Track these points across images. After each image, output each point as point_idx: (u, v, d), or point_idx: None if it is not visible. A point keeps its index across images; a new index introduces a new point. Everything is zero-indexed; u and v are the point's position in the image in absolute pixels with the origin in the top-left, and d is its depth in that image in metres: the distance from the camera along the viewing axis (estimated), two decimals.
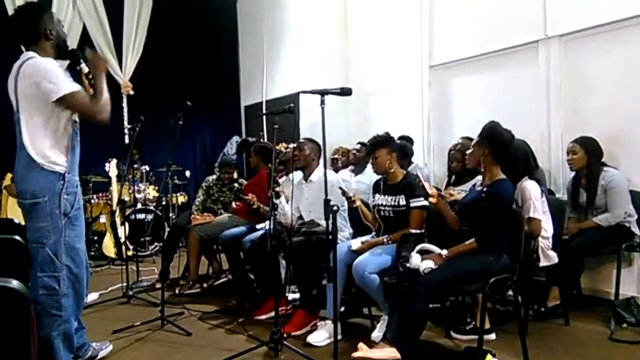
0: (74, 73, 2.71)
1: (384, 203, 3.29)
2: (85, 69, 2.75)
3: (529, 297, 3.31)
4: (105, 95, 2.57)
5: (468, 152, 2.91)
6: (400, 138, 4.86)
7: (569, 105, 4.04)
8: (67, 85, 2.43)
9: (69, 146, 2.57)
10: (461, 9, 4.91)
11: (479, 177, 2.95)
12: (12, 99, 2.51)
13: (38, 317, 2.46)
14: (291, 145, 4.14)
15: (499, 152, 2.77)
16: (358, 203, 3.28)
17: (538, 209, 3.08)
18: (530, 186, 3.11)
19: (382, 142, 3.28)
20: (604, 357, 2.80)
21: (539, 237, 3.14)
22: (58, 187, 2.49)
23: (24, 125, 2.47)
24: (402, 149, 3.48)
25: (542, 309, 3.39)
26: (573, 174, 3.66)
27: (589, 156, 3.50)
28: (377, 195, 3.37)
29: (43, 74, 2.41)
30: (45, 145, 2.47)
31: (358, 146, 4.66)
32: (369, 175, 4.37)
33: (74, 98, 2.45)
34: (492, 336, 3.06)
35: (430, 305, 2.87)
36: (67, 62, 2.72)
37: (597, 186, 3.44)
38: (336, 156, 5.23)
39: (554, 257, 3.19)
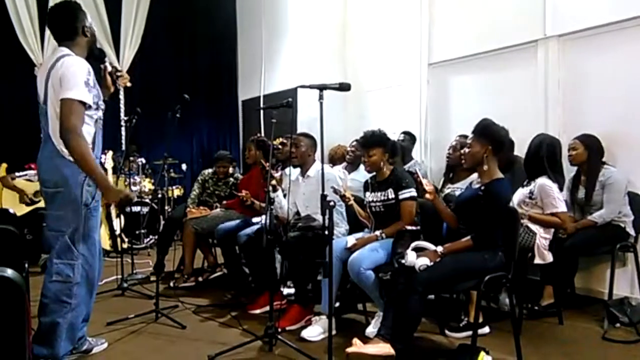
0: (98, 70, 2.79)
1: (374, 199, 3.30)
2: (109, 68, 2.86)
3: (523, 295, 3.32)
4: (86, 157, 2.48)
5: (465, 150, 2.87)
6: (404, 134, 4.88)
7: (567, 105, 4.04)
8: (75, 92, 2.44)
9: (93, 140, 2.61)
10: (461, 8, 4.90)
11: (476, 175, 2.95)
12: (41, 91, 2.54)
13: (45, 303, 2.51)
14: (279, 140, 4.13)
15: (498, 149, 2.78)
16: (352, 201, 3.28)
17: (562, 202, 3.28)
18: (549, 183, 3.29)
19: (379, 141, 3.26)
20: (597, 356, 2.82)
21: (537, 235, 3.19)
22: (81, 178, 2.53)
23: (50, 118, 2.52)
24: (394, 147, 3.48)
25: (536, 308, 3.41)
26: (574, 172, 3.67)
27: (589, 152, 3.53)
28: (368, 193, 3.38)
29: (71, 73, 2.44)
30: None
31: (355, 144, 4.65)
32: (363, 173, 4.37)
33: (68, 105, 2.43)
34: (486, 329, 3.08)
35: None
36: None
37: (596, 182, 3.46)
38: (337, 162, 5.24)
39: (548, 257, 3.22)
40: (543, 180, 3.32)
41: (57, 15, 2.65)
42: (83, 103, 2.47)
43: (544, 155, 3.40)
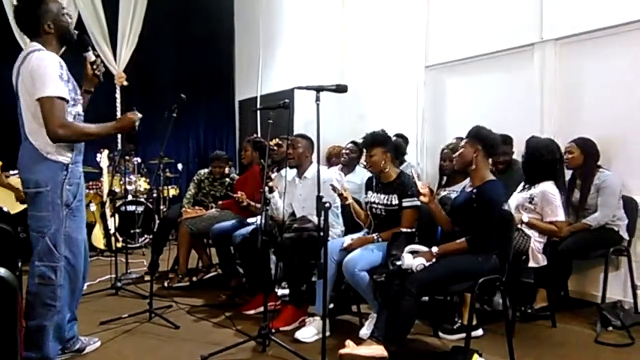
0: (80, 59, 2.73)
1: (377, 201, 3.28)
2: (92, 57, 2.74)
3: (517, 298, 3.33)
4: (88, 133, 2.55)
5: (456, 153, 2.93)
6: (396, 136, 4.89)
7: (563, 109, 4.06)
8: (52, 88, 2.37)
9: None
10: (458, 10, 4.91)
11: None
12: (15, 89, 2.49)
13: (31, 306, 2.45)
14: (275, 141, 4.14)
15: (490, 151, 2.82)
16: (350, 200, 3.27)
17: (562, 210, 3.26)
18: (552, 189, 3.27)
19: (378, 141, 3.24)
20: (589, 359, 2.83)
21: (532, 239, 3.20)
22: (61, 178, 2.48)
23: (24, 117, 2.46)
24: (397, 148, 3.47)
25: (529, 311, 3.42)
26: (569, 175, 3.67)
27: (585, 156, 3.54)
28: (370, 193, 3.35)
29: (42, 70, 2.37)
30: (45, 137, 2.42)
31: (350, 145, 4.66)
32: (360, 175, 4.39)
33: (48, 103, 2.36)
34: (479, 332, 3.09)
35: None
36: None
37: (591, 185, 3.48)
38: (334, 159, 5.27)
39: (542, 260, 3.22)
40: (546, 187, 3.28)
41: (18, 14, 2.53)
42: (62, 99, 2.40)
43: (554, 159, 3.37)
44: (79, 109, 2.63)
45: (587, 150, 3.54)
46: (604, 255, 3.39)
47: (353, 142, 4.61)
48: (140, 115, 2.75)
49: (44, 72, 2.37)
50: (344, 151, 4.74)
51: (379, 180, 3.32)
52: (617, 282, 3.62)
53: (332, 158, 5.33)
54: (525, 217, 3.27)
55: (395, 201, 3.18)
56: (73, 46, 2.69)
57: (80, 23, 6.23)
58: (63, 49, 2.65)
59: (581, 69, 3.95)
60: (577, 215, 3.57)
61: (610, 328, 3.18)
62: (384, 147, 3.23)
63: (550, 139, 3.61)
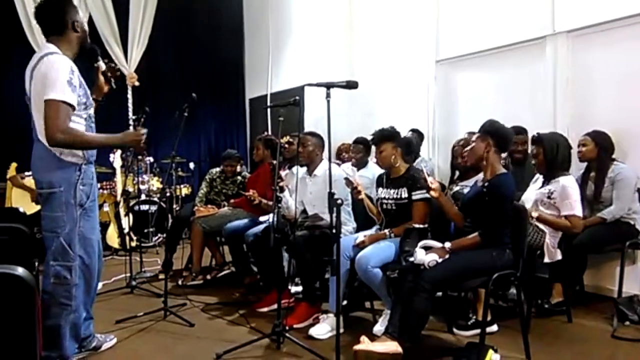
0: (91, 69, 2.76)
1: (387, 196, 3.28)
2: (103, 67, 2.77)
3: (532, 293, 3.30)
4: (87, 141, 2.53)
5: (467, 148, 2.91)
6: (412, 131, 4.87)
7: (575, 101, 4.02)
8: (59, 93, 2.36)
9: None
10: (468, 3, 4.87)
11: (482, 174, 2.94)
12: (27, 90, 2.50)
13: (46, 306, 2.47)
14: (286, 139, 4.14)
15: (502, 145, 2.80)
16: (363, 195, 3.26)
17: (579, 205, 3.19)
18: (572, 183, 3.21)
19: (387, 136, 3.24)
20: (606, 354, 2.80)
21: (547, 234, 3.16)
22: (74, 178, 2.50)
23: (35, 118, 2.47)
24: (408, 144, 3.45)
25: (545, 306, 3.39)
26: (583, 169, 3.63)
27: (598, 149, 3.49)
28: (380, 189, 3.35)
29: (52, 74, 2.37)
30: None
31: (353, 147, 4.62)
32: (372, 170, 4.38)
33: (52, 106, 2.35)
34: (494, 328, 3.07)
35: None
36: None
37: (605, 178, 3.43)
38: (344, 154, 5.27)
39: (557, 254, 3.19)
40: (567, 181, 3.20)
41: (46, 8, 2.53)
42: (68, 104, 2.39)
43: (563, 157, 3.31)
44: (91, 112, 2.65)
45: (602, 143, 3.49)
46: (619, 249, 3.35)
47: (355, 142, 4.60)
48: (145, 130, 2.80)
49: (55, 75, 2.37)
50: (350, 154, 4.72)
51: (389, 176, 3.32)
52: (634, 276, 3.58)
53: (342, 154, 5.33)
54: (534, 212, 3.19)
55: (404, 195, 3.17)
56: (85, 53, 2.71)
57: (91, 24, 6.29)
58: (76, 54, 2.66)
59: (594, 61, 3.90)
60: (592, 208, 3.53)
61: (627, 323, 3.14)
62: (393, 142, 3.23)
63: (558, 133, 3.56)
